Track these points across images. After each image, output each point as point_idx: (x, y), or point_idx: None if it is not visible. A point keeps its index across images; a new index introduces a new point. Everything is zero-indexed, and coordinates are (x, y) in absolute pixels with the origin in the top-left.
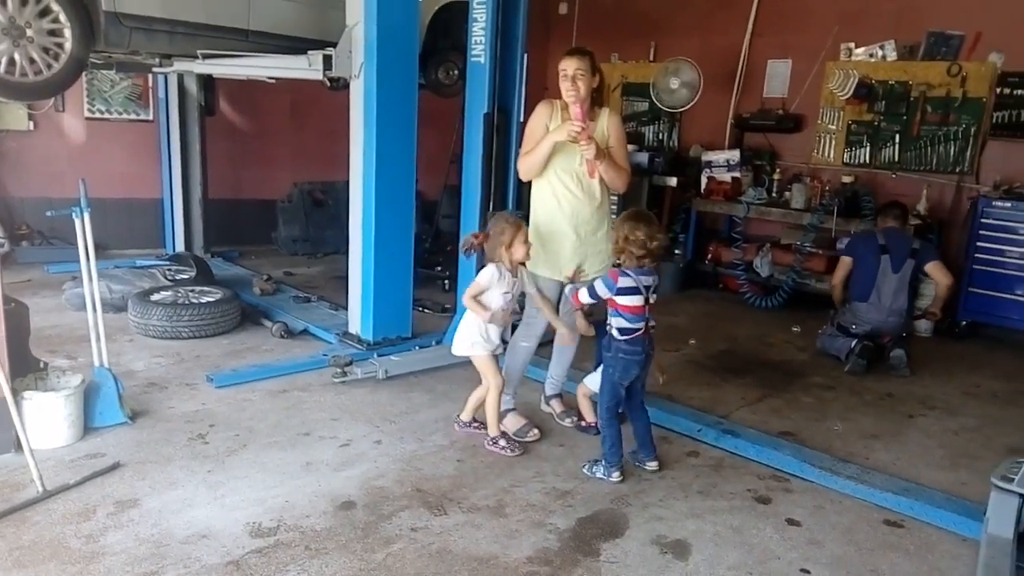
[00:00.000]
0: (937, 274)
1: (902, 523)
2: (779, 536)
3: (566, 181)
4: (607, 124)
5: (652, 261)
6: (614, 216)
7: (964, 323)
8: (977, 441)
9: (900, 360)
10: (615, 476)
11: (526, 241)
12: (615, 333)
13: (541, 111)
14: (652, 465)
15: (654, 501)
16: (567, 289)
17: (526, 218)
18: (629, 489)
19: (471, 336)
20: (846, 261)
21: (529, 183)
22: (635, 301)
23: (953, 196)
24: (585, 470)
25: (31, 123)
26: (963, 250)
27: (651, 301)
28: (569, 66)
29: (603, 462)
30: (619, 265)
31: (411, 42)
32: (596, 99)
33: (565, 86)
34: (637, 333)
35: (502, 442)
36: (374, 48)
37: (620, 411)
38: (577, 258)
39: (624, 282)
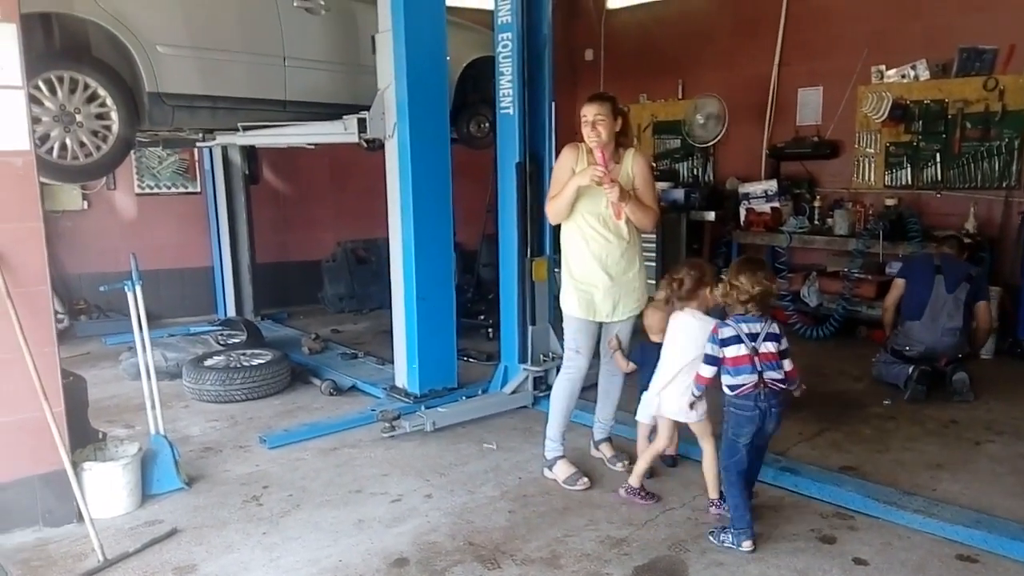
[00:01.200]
0: (983, 314)
1: (976, 557)
2: None
3: (593, 223)
4: (632, 165)
5: (757, 308)
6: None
7: None
8: None
9: (963, 384)
10: (746, 545)
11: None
12: (725, 389)
13: (567, 155)
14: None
15: (713, 546)
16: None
17: (558, 261)
18: (687, 534)
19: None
20: (899, 283)
21: (559, 227)
22: (738, 351)
23: (1002, 212)
24: (711, 538)
25: (85, 202)
26: (1018, 266)
27: (763, 350)
28: (589, 112)
29: (731, 528)
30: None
31: (441, 100)
32: (620, 141)
33: (586, 132)
34: (745, 387)
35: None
36: (405, 108)
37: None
38: (610, 299)
39: (724, 332)
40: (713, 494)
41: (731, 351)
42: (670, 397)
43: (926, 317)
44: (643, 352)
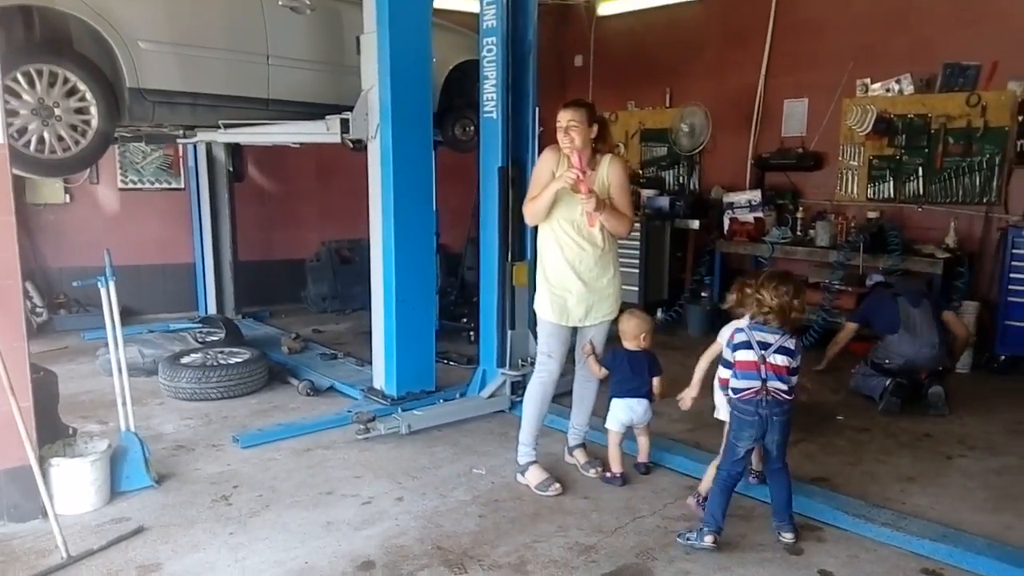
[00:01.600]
0: (955, 323)
1: (941, 571)
2: None
3: (567, 229)
4: (608, 171)
5: (776, 320)
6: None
7: (1003, 357)
8: (1021, 482)
9: (938, 398)
10: (706, 541)
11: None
12: (729, 391)
13: (547, 157)
14: (787, 537)
15: (680, 555)
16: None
17: (531, 264)
18: (655, 542)
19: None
20: (851, 327)
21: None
22: (746, 356)
23: (982, 227)
24: (679, 539)
25: (67, 196)
26: (996, 282)
27: (771, 361)
28: (563, 118)
29: (700, 527)
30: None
31: (425, 102)
32: (597, 148)
33: (560, 137)
34: (747, 392)
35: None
36: (389, 110)
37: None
38: (584, 304)
39: (738, 337)
40: (703, 488)
41: (740, 355)
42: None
43: (902, 331)
44: (614, 358)
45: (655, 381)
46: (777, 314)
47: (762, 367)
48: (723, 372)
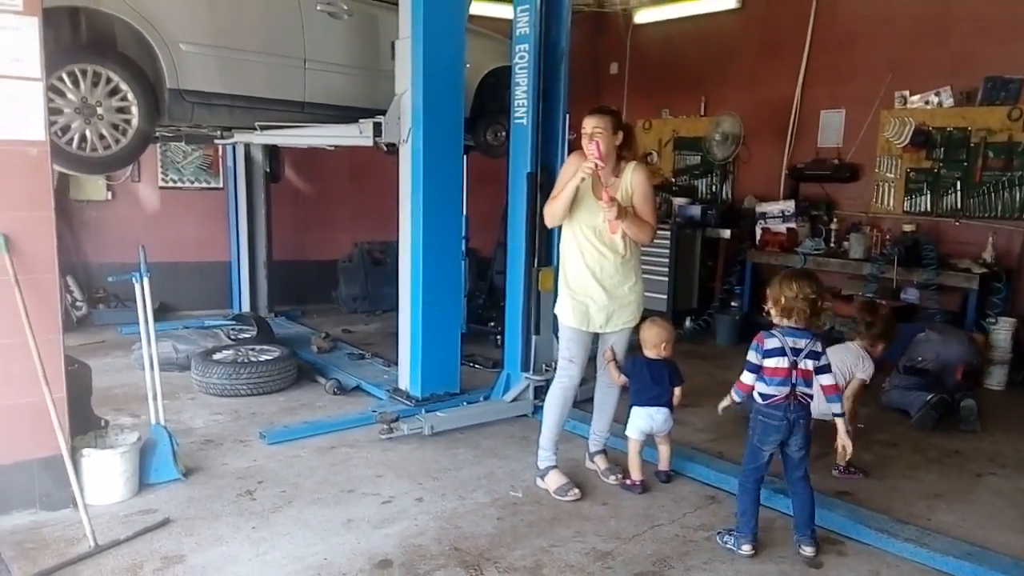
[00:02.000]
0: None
1: None
2: None
3: (589, 236)
4: (631, 179)
5: (799, 319)
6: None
7: None
8: None
9: (970, 411)
10: (745, 549)
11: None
12: (756, 396)
13: (572, 162)
14: (808, 550)
15: (698, 564)
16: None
17: (558, 270)
18: (673, 551)
19: None
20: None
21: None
22: (778, 363)
23: (1021, 243)
24: (718, 539)
25: (109, 193)
26: None
27: (802, 367)
28: (588, 124)
29: (736, 532)
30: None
31: (457, 107)
32: (622, 155)
33: (584, 143)
34: (776, 398)
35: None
36: (420, 114)
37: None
38: (605, 311)
39: (770, 343)
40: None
41: (771, 362)
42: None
43: (928, 330)
44: (634, 366)
45: (676, 391)
46: (800, 312)
47: (793, 372)
48: (746, 377)
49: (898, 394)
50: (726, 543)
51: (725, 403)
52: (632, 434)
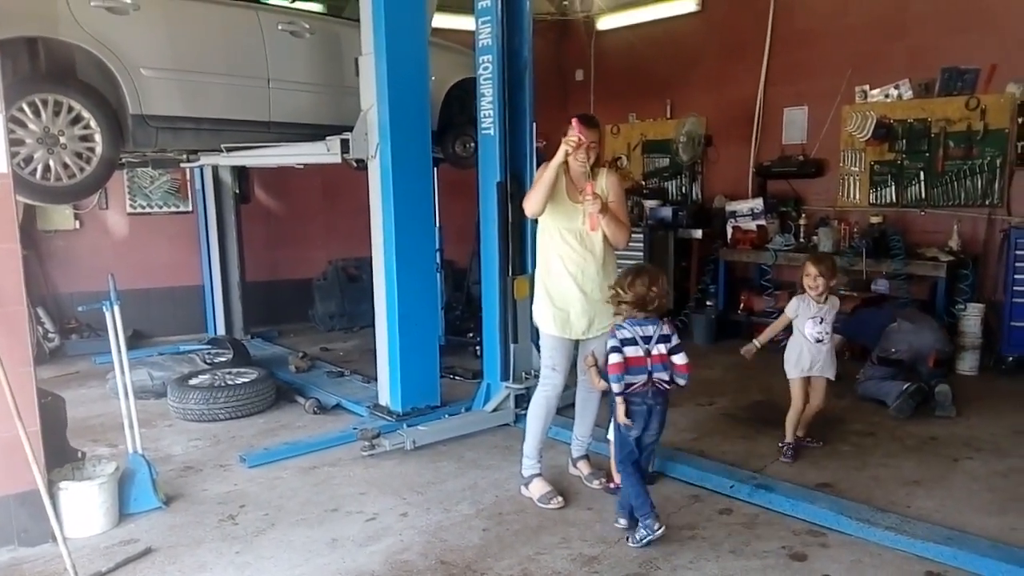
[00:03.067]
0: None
1: (945, 574)
2: None
3: (568, 240)
4: (605, 183)
5: (651, 311)
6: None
7: (1010, 359)
8: None
9: (945, 396)
10: (656, 528)
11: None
12: (615, 386)
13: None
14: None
15: (684, 563)
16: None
17: (533, 277)
18: (658, 552)
19: (789, 359)
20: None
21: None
22: (635, 352)
23: (985, 229)
24: (630, 543)
25: (77, 222)
26: (1001, 283)
27: (655, 352)
28: (586, 137)
29: (641, 521)
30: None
31: (423, 121)
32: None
33: (580, 156)
34: (635, 385)
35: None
36: (387, 129)
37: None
38: (586, 316)
39: (621, 333)
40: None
41: (629, 351)
42: None
43: (900, 320)
44: None
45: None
46: (638, 306)
47: (648, 360)
48: (613, 358)
49: (873, 385)
50: (641, 539)
51: (601, 384)
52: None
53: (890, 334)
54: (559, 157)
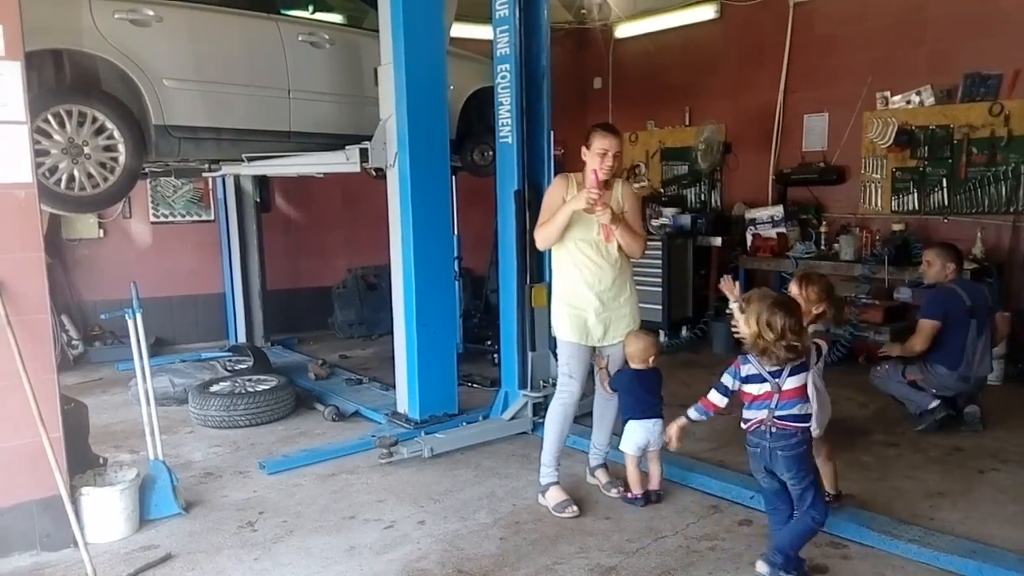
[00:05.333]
0: (1001, 324)
1: None
2: None
3: (585, 250)
4: (621, 193)
5: (772, 363)
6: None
7: None
8: None
9: (974, 416)
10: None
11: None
12: (742, 423)
13: (558, 184)
14: (760, 568)
15: (703, 574)
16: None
17: (550, 286)
18: (677, 563)
19: None
20: (932, 325)
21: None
22: (760, 389)
23: (1010, 237)
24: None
25: (101, 231)
26: None
27: (786, 387)
28: (611, 146)
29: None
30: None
31: (442, 129)
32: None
33: (606, 164)
34: (752, 423)
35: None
36: (406, 138)
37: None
38: (602, 324)
39: (746, 369)
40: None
41: (753, 388)
42: None
43: (962, 367)
44: (621, 379)
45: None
46: (774, 355)
47: (775, 397)
48: (713, 396)
49: (897, 386)
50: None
51: (681, 423)
52: (628, 449)
53: (940, 376)
54: (578, 204)
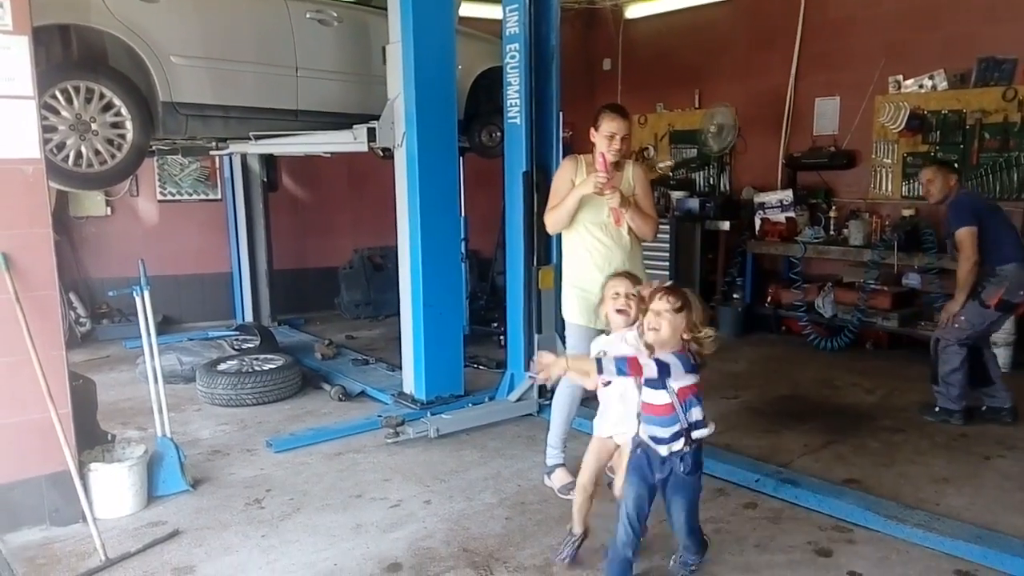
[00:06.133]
0: None
1: (975, 573)
2: None
3: (595, 233)
4: (632, 174)
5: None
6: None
7: None
8: None
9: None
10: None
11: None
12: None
13: (567, 167)
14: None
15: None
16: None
17: (557, 268)
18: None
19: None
20: (970, 232)
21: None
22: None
23: (1021, 223)
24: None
25: (108, 208)
26: None
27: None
28: (620, 128)
29: None
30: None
31: (449, 109)
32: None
33: (614, 147)
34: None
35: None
36: (414, 118)
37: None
38: None
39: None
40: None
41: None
42: None
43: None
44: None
45: None
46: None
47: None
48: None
49: (954, 357)
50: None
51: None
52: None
53: (1010, 274)
54: (587, 188)
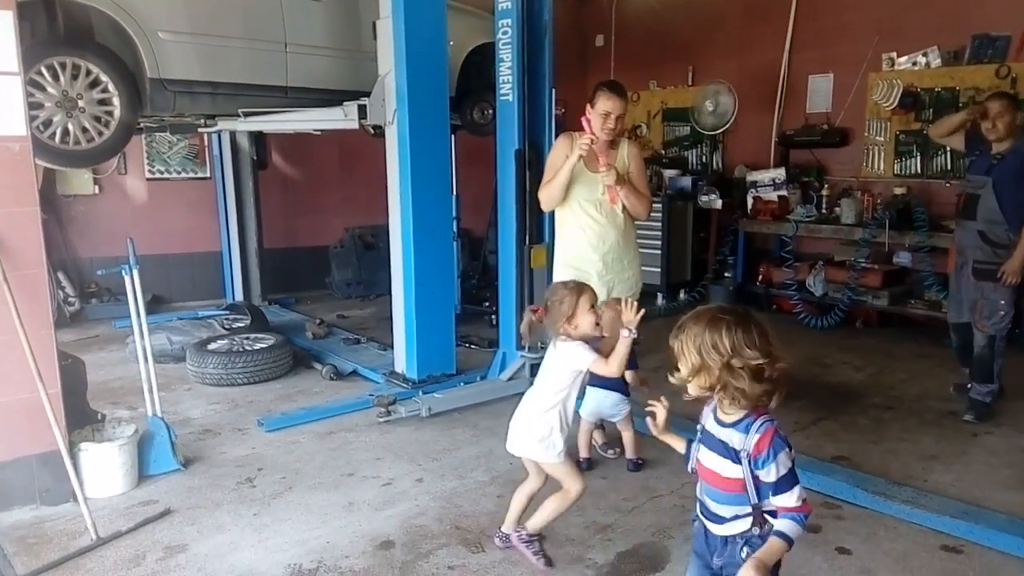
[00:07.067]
0: None
1: (961, 548)
2: (828, 566)
3: (589, 211)
4: (627, 153)
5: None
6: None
7: None
8: None
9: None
10: None
11: (592, 308)
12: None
13: (561, 144)
14: None
15: None
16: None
17: (550, 247)
18: (672, 520)
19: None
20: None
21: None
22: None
23: None
24: None
25: (96, 187)
26: None
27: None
28: (615, 107)
29: None
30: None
31: (441, 86)
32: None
33: (608, 126)
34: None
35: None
36: (405, 95)
37: None
38: (605, 286)
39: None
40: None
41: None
42: None
43: None
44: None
45: (628, 375)
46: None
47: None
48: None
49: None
50: None
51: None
52: (584, 413)
53: None
54: (574, 158)
